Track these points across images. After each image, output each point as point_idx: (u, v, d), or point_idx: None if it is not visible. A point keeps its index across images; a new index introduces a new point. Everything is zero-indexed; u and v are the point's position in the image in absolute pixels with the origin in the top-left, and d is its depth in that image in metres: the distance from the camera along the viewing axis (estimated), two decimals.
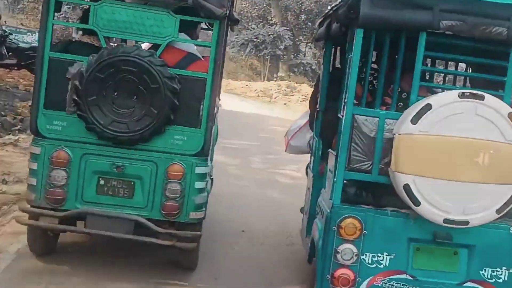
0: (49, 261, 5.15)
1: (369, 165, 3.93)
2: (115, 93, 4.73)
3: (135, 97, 4.72)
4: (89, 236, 5.50)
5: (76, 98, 4.73)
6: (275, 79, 31.23)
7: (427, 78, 4.85)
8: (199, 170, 4.86)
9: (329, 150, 4.52)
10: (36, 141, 4.88)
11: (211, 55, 4.81)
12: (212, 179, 5.92)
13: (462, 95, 3.72)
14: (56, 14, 4.88)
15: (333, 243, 3.93)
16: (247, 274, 5.52)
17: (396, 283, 3.95)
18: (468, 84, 4.96)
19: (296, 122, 6.41)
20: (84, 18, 5.03)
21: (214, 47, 4.79)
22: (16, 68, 17.03)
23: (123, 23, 4.76)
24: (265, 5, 36.19)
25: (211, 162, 5.62)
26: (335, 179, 3.98)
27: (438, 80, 5.29)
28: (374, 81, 4.17)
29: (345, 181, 3.99)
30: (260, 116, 18.96)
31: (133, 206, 4.83)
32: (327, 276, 3.94)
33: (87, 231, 4.91)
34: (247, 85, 28.44)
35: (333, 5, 4.92)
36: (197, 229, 4.99)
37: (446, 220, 3.78)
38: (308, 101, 6.11)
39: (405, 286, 3.95)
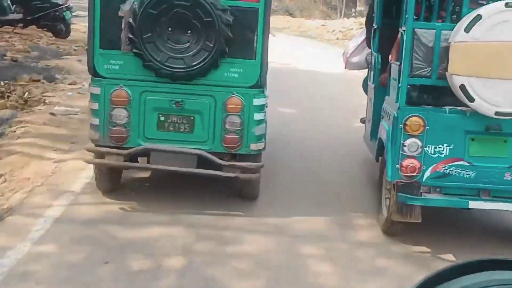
0: (115, 197, 5.28)
1: (428, 71, 4.61)
2: (169, 29, 4.73)
3: (189, 31, 4.73)
4: (152, 171, 5.63)
5: (131, 36, 4.72)
6: (353, 14, 28.71)
7: None
8: (257, 101, 4.91)
9: (391, 61, 5.19)
10: (95, 81, 4.92)
11: None
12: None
13: (507, 5, 4.35)
14: None
15: (401, 138, 4.67)
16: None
17: (455, 169, 4.67)
18: None
19: (352, 41, 7.08)
20: None
21: None
22: (22, 25, 13.99)
23: None
24: None
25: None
26: (400, 85, 4.68)
27: None
28: None
29: (408, 86, 4.69)
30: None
31: (195, 141, 4.90)
32: (397, 165, 4.69)
33: (152, 167, 5.03)
34: (322, 25, 25.72)
35: None
36: (258, 159, 5.08)
37: (497, 113, 4.46)
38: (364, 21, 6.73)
39: (463, 171, 4.67)
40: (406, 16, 4.61)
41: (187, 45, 4.74)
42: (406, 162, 4.66)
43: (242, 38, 4.81)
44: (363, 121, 6.88)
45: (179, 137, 4.92)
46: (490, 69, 4.39)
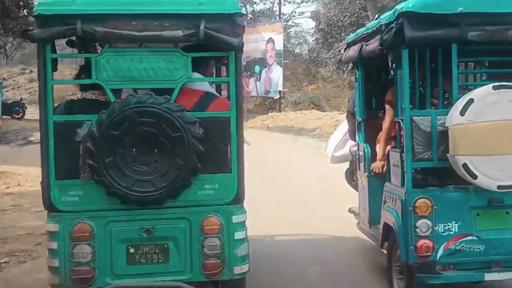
0: None
1: (429, 154, 4.91)
2: (134, 150, 4.28)
3: (156, 150, 4.29)
4: None
5: (91, 162, 4.25)
6: None
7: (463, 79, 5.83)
8: (236, 218, 4.49)
9: (390, 149, 5.48)
10: (52, 217, 4.41)
11: (231, 89, 4.44)
12: None
13: (496, 87, 4.75)
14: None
15: (412, 220, 4.89)
16: None
17: (466, 244, 4.89)
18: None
19: (333, 137, 7.43)
20: (84, 72, 4.65)
21: (233, 80, 4.44)
22: None
23: (130, 71, 4.32)
24: (357, 9, 32.38)
25: None
26: (404, 170, 4.95)
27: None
28: (420, 88, 5.15)
29: (412, 170, 4.96)
30: None
31: (171, 271, 4.41)
32: (411, 247, 4.88)
33: None
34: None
35: (361, 33, 5.97)
36: (242, 284, 4.67)
37: (499, 186, 4.77)
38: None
39: (473, 245, 4.90)
40: (402, 106, 4.95)
41: (154, 165, 4.30)
42: (420, 242, 4.86)
43: (214, 151, 4.43)
44: (351, 211, 7.11)
45: (153, 269, 4.42)
46: (488, 147, 4.73)
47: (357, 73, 6.46)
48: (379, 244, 5.73)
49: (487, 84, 4.84)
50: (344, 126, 7.10)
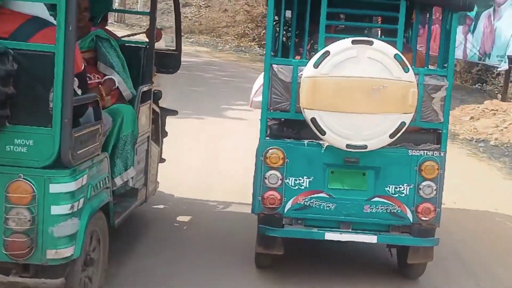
0: None
1: (287, 105, 4.76)
2: None
3: None
4: None
5: None
6: None
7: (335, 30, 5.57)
8: (56, 188, 3.54)
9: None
10: None
11: (58, 13, 3.42)
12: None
13: (354, 42, 4.52)
14: None
15: (262, 171, 4.79)
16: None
17: (316, 201, 4.77)
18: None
19: (256, 82, 7.27)
20: None
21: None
22: None
23: None
24: None
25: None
26: (260, 118, 4.83)
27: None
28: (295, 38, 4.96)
29: (268, 120, 4.83)
30: None
31: None
32: (259, 197, 4.80)
33: None
34: None
35: None
36: (59, 273, 3.65)
37: (348, 146, 4.59)
38: None
39: (323, 203, 4.77)
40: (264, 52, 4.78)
41: None
42: (267, 194, 4.77)
43: (29, 96, 3.51)
44: None
45: None
46: (340, 104, 4.53)
47: None
48: None
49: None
50: None
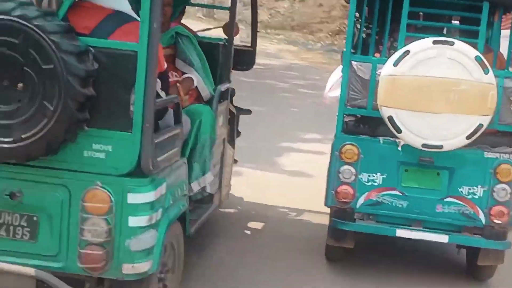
0: None
1: (364, 102, 4.83)
2: None
3: (20, 84, 3.10)
4: None
5: None
6: None
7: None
8: (134, 198, 3.26)
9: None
10: None
11: (142, 10, 3.14)
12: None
13: (435, 42, 4.54)
14: None
15: (337, 165, 4.88)
16: None
17: (388, 197, 4.83)
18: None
19: (330, 78, 7.32)
20: None
21: None
22: None
23: None
24: None
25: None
26: (337, 114, 4.92)
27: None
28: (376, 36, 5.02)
29: (344, 116, 4.91)
30: None
31: (39, 254, 3.30)
32: (332, 191, 4.90)
33: None
34: None
35: None
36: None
37: (424, 145, 4.62)
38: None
39: (395, 200, 4.83)
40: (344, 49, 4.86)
41: (16, 105, 3.12)
42: (340, 188, 4.86)
43: (109, 98, 3.23)
44: None
45: (15, 246, 3.31)
46: (418, 103, 4.57)
47: None
48: None
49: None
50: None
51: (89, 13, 3.47)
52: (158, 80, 3.43)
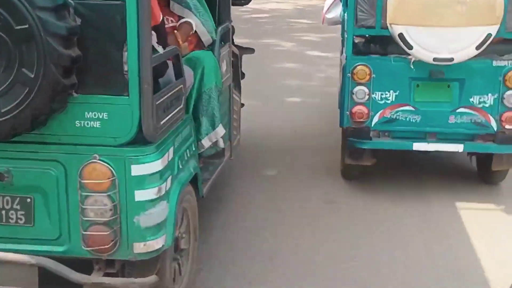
0: None
1: (372, 21, 4.89)
2: None
3: None
4: None
5: None
6: None
7: None
8: (139, 169, 2.92)
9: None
10: None
11: None
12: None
13: None
14: None
15: (349, 87, 4.98)
16: None
17: (402, 114, 4.96)
18: None
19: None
20: None
21: None
22: None
23: None
24: None
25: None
26: (346, 36, 4.98)
27: None
28: None
29: (354, 37, 4.98)
30: None
31: (37, 239, 3.00)
32: (347, 112, 5.02)
33: None
34: None
35: None
36: (150, 268, 3.12)
37: (435, 59, 4.72)
38: None
39: (409, 115, 4.96)
40: None
41: None
42: (355, 108, 4.97)
43: (99, 57, 2.84)
44: None
45: (10, 232, 3.01)
46: (427, 18, 4.64)
47: None
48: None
49: None
50: None
51: None
52: (153, 32, 3.08)
